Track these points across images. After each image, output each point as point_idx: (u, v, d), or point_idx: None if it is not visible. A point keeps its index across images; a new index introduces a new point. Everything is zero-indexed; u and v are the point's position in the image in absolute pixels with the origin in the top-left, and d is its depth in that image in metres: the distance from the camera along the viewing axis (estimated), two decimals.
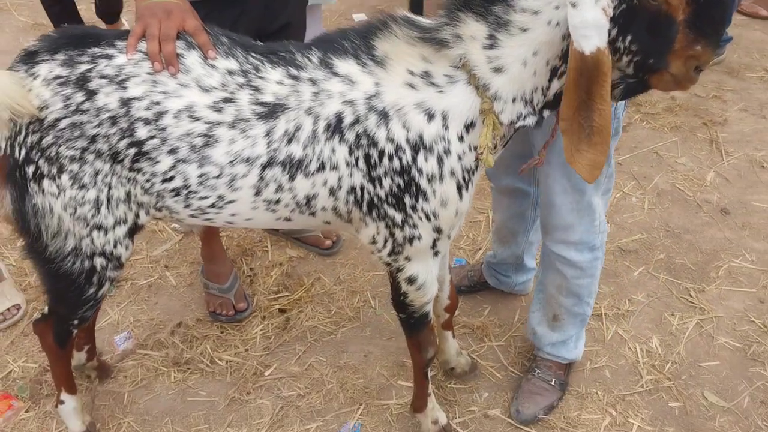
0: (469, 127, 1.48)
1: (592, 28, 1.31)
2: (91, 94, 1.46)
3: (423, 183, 1.51)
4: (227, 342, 2.38)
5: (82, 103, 1.46)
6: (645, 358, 2.32)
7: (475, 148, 1.51)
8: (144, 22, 1.51)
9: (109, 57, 1.49)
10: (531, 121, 1.51)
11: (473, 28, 1.41)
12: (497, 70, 1.43)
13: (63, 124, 1.47)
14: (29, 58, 1.50)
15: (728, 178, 3.13)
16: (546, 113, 1.53)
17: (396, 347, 2.34)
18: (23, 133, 1.49)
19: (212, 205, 1.56)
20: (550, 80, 1.46)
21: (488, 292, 2.54)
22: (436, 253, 1.67)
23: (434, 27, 1.44)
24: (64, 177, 1.51)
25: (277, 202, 1.56)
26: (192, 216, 1.61)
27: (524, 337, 2.34)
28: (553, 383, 2.16)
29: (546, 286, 2.12)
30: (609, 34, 1.34)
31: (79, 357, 2.15)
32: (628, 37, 1.38)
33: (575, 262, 1.98)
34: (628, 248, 2.75)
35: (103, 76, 1.47)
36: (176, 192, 1.54)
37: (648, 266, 2.67)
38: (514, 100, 1.46)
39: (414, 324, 1.83)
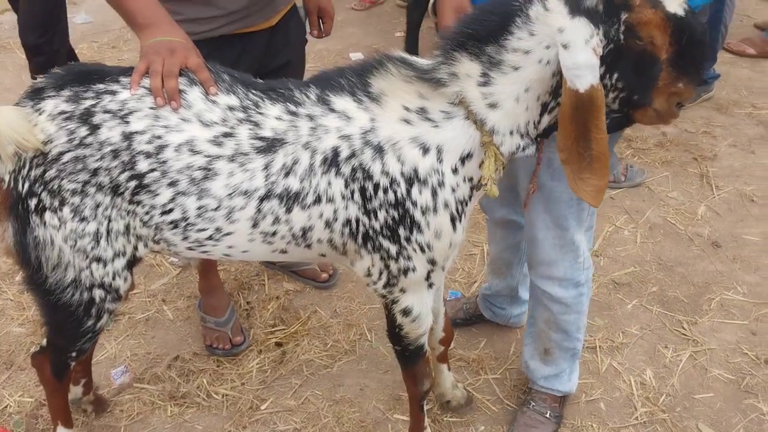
0: (464, 159, 1.53)
1: (584, 68, 1.37)
2: (94, 129, 1.51)
3: (417, 215, 1.54)
4: (224, 376, 2.39)
5: (85, 137, 1.51)
6: (639, 390, 2.33)
7: (470, 180, 1.56)
8: (148, 59, 1.57)
9: (113, 93, 1.54)
10: (531, 150, 1.57)
11: (468, 67, 1.47)
12: (492, 105, 1.49)
13: (66, 157, 1.51)
14: (36, 95, 1.55)
15: (719, 212, 3.17)
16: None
17: (392, 380, 2.35)
18: (27, 167, 1.53)
19: (210, 237, 1.59)
20: (541, 115, 1.53)
21: (483, 324, 2.56)
22: (430, 285, 1.69)
23: (431, 67, 1.49)
24: (66, 210, 1.54)
25: (274, 234, 1.59)
26: (189, 248, 1.64)
27: (519, 370, 2.36)
28: (548, 416, 2.17)
29: (536, 320, 2.14)
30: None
31: (75, 391, 2.15)
32: (615, 75, 1.44)
33: (560, 298, 2.01)
34: (621, 281, 2.78)
35: (106, 111, 1.51)
36: (175, 224, 1.57)
37: (641, 299, 2.70)
38: (511, 133, 1.52)
39: (409, 356, 1.84)
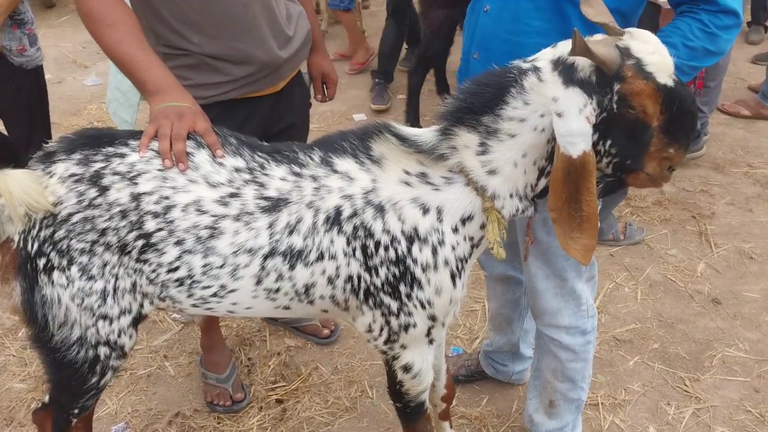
0: (465, 220, 1.57)
1: (577, 135, 1.42)
2: (103, 190, 1.55)
3: (418, 272, 1.57)
4: None
5: (94, 198, 1.54)
6: None
7: (470, 239, 1.60)
8: (157, 123, 1.62)
9: (122, 156, 1.58)
10: (530, 212, 1.62)
11: (466, 139, 1.52)
12: (491, 172, 1.54)
13: (75, 218, 1.55)
14: (47, 158, 1.60)
15: (718, 269, 3.20)
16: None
17: None
18: (37, 228, 1.56)
19: (214, 294, 1.62)
20: (538, 179, 1.57)
21: (486, 381, 2.55)
22: (431, 341, 1.71)
23: (430, 146, 1.54)
24: (74, 269, 1.57)
25: (277, 290, 1.62)
26: (194, 306, 1.66)
27: (522, 428, 2.34)
28: None
29: (542, 371, 2.14)
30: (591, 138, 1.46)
31: None
32: (608, 142, 1.49)
33: (568, 346, 2.02)
34: (622, 338, 2.78)
35: (115, 173, 1.56)
36: (180, 282, 1.60)
37: (643, 356, 2.70)
38: (511, 196, 1.57)
39: (410, 414, 1.85)
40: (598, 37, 1.48)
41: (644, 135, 1.47)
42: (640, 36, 1.46)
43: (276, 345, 2.77)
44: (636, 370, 2.64)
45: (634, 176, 1.55)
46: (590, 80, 1.42)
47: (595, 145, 1.48)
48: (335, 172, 1.58)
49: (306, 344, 2.78)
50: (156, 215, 1.55)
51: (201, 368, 2.55)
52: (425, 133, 1.56)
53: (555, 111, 1.43)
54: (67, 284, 1.58)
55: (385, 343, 1.70)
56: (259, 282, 1.60)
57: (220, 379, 2.50)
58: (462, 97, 1.53)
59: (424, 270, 1.57)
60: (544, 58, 1.49)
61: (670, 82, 1.43)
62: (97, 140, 1.61)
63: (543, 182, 1.58)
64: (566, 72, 1.44)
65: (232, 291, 1.61)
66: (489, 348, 2.48)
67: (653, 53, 1.43)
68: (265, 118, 2.15)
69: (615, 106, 1.43)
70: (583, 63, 1.42)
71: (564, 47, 1.47)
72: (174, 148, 1.58)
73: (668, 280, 3.12)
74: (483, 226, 1.59)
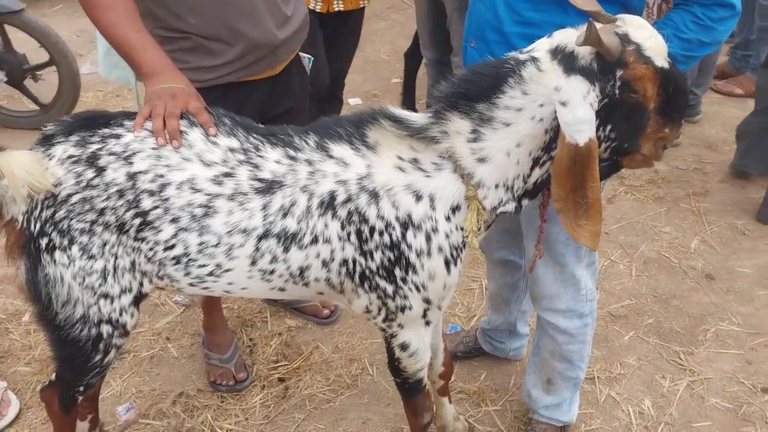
0: (455, 209, 1.59)
1: (583, 123, 1.44)
2: (100, 171, 1.58)
3: (412, 257, 1.60)
4: (228, 411, 2.42)
5: (92, 179, 1.58)
6: (638, 419, 2.36)
7: (462, 229, 1.61)
8: (151, 103, 1.65)
9: (117, 136, 1.61)
10: (510, 207, 1.62)
11: (458, 125, 1.54)
12: (481, 160, 1.55)
13: (75, 199, 1.58)
14: (46, 141, 1.63)
15: (712, 245, 3.24)
16: (525, 202, 1.64)
17: (394, 414, 2.38)
18: (39, 208, 1.60)
19: (210, 273, 1.65)
20: (532, 169, 1.58)
21: (484, 357, 2.60)
22: (427, 323, 1.74)
23: (422, 127, 1.55)
24: (75, 248, 1.61)
25: (272, 272, 1.64)
26: (191, 284, 1.69)
27: (520, 401, 2.39)
28: None
29: (540, 350, 2.18)
30: None
31: (82, 427, 2.17)
32: (608, 127, 1.52)
33: (565, 329, 2.05)
34: (617, 314, 2.83)
35: (111, 154, 1.59)
36: (177, 260, 1.63)
37: (638, 331, 2.74)
38: (497, 186, 1.58)
39: (409, 389, 1.89)
40: (598, 26, 1.47)
41: (642, 117, 1.51)
42: (634, 22, 1.48)
43: (277, 325, 2.81)
44: (631, 344, 2.68)
45: (629, 158, 1.59)
46: (591, 67, 1.45)
47: (595, 131, 1.49)
48: (330, 157, 1.60)
49: (306, 324, 2.82)
50: (152, 193, 1.58)
51: (204, 349, 2.59)
52: (419, 117, 1.58)
53: (558, 100, 1.45)
54: (69, 263, 1.62)
55: (384, 321, 1.73)
56: (254, 263, 1.63)
57: (223, 360, 2.53)
58: (457, 83, 1.55)
59: (418, 255, 1.60)
60: (541, 48, 1.50)
61: (665, 65, 1.47)
62: (93, 122, 1.64)
63: (537, 173, 1.58)
64: (566, 61, 1.45)
65: (227, 271, 1.64)
66: (486, 326, 2.53)
67: (650, 38, 1.46)
68: (263, 102, 2.16)
69: (617, 91, 1.46)
70: (583, 51, 1.45)
71: (561, 37, 1.49)
72: (167, 126, 1.61)
73: (662, 257, 3.16)
74: None
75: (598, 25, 1.47)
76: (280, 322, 2.83)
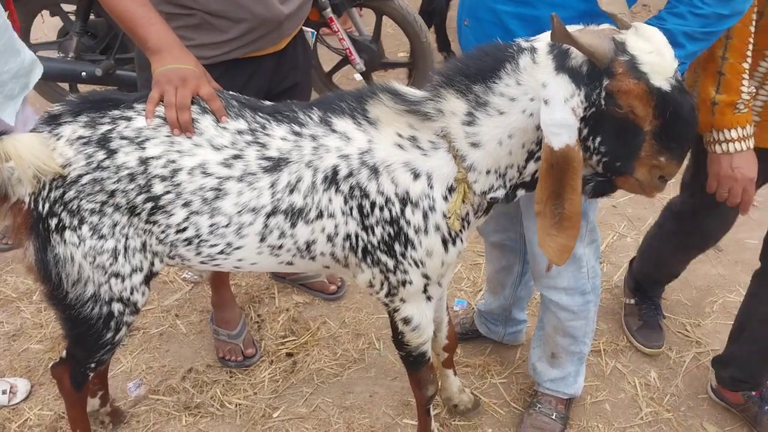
0: (451, 189, 1.58)
1: (560, 126, 1.39)
2: (111, 153, 1.59)
3: (411, 233, 1.61)
4: (236, 386, 2.45)
5: (102, 160, 1.58)
6: (644, 391, 2.37)
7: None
8: (160, 87, 1.64)
9: (128, 119, 1.61)
10: (500, 193, 1.59)
11: (453, 105, 1.51)
12: (474, 144, 1.53)
13: (85, 179, 1.59)
14: (52, 120, 1.63)
15: None
16: (520, 192, 1.62)
17: (400, 387, 2.40)
18: (47, 189, 1.60)
19: (221, 252, 1.67)
20: (527, 161, 1.55)
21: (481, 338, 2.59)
22: (428, 298, 1.75)
23: (418, 100, 1.54)
24: (85, 228, 1.62)
25: (280, 247, 1.66)
26: (202, 263, 1.71)
27: (525, 374, 2.41)
28: (554, 417, 2.21)
29: (544, 324, 2.19)
30: (580, 133, 1.43)
31: (93, 403, 2.21)
32: (598, 139, 1.45)
33: (566, 306, 2.05)
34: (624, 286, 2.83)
35: (123, 137, 1.59)
36: (189, 241, 1.65)
37: None
38: (488, 172, 1.56)
39: (413, 362, 1.91)
40: (605, 26, 1.44)
41: (634, 138, 1.42)
42: (643, 32, 1.39)
43: (284, 301, 2.83)
44: None
45: (623, 180, 1.51)
46: (580, 70, 1.39)
47: (585, 140, 1.45)
48: (333, 131, 1.61)
49: (314, 300, 2.84)
50: (163, 179, 1.59)
51: (212, 325, 2.62)
52: (417, 92, 1.57)
53: (543, 97, 1.41)
54: (79, 243, 1.63)
55: (386, 296, 1.75)
56: (263, 239, 1.64)
57: (232, 336, 2.56)
58: (458, 59, 1.53)
59: (416, 232, 1.60)
60: (544, 39, 1.46)
61: (665, 86, 1.36)
62: (101, 104, 1.64)
63: (534, 167, 1.55)
64: (559, 57, 1.41)
65: (237, 248, 1.66)
66: (483, 308, 2.52)
67: (651, 52, 1.36)
68: (268, 78, 2.16)
69: (603, 102, 1.39)
70: (577, 51, 1.39)
71: (569, 28, 1.41)
72: (180, 118, 1.61)
73: None
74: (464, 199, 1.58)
75: (593, 27, 1.42)
76: (288, 298, 2.85)
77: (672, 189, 2.43)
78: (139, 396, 2.41)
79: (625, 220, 3.23)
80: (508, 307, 2.44)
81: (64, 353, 1.94)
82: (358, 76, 4.56)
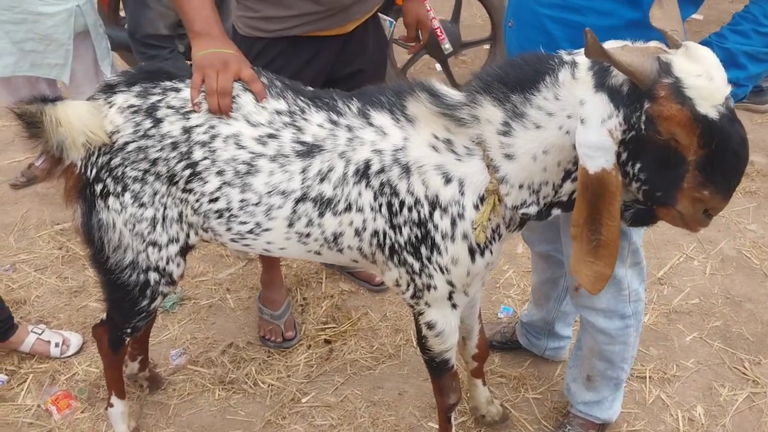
0: (482, 199, 1.52)
1: (595, 148, 1.31)
2: (157, 122, 1.64)
3: (438, 238, 1.57)
4: (272, 366, 2.49)
5: (149, 129, 1.64)
6: (686, 426, 2.25)
7: (490, 220, 1.54)
8: (203, 71, 1.66)
9: (177, 90, 1.67)
10: (533, 210, 1.52)
11: (490, 112, 1.45)
12: (508, 156, 1.46)
13: (131, 147, 1.65)
14: (108, 89, 1.70)
15: None
16: (555, 211, 1.54)
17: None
18: (96, 154, 1.68)
19: (250, 231, 1.69)
20: (563, 180, 1.47)
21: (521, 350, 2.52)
22: (454, 306, 1.71)
23: (455, 105, 1.49)
24: (127, 195, 1.68)
25: (308, 235, 1.66)
26: (233, 240, 1.74)
27: (562, 392, 2.32)
28: None
29: (582, 345, 2.10)
30: (619, 157, 1.34)
31: (132, 366, 2.31)
32: (638, 165, 1.36)
33: (604, 329, 1.96)
34: (682, 311, 2.68)
35: (170, 107, 1.64)
36: (220, 214, 1.68)
37: (702, 332, 2.59)
38: (521, 186, 1.49)
39: (436, 368, 1.87)
40: (652, 44, 1.34)
41: (677, 167, 1.32)
42: (693, 53, 1.28)
43: (331, 288, 2.85)
44: (692, 346, 2.54)
45: (664, 211, 1.40)
46: (621, 90, 1.30)
47: (624, 164, 1.36)
48: (370, 125, 1.59)
49: (359, 290, 2.84)
50: (203, 145, 1.63)
51: (258, 303, 2.67)
52: (456, 94, 1.52)
53: (580, 115, 1.33)
54: (121, 210, 1.70)
55: (412, 297, 1.72)
56: (290, 225, 1.65)
57: (274, 316, 2.60)
58: (499, 66, 1.47)
59: (443, 237, 1.57)
60: None
61: (713, 114, 1.25)
62: (156, 75, 1.70)
63: (570, 187, 1.47)
64: (600, 74, 1.32)
65: (266, 230, 1.68)
66: (526, 319, 2.44)
67: (699, 76, 1.25)
68: (332, 60, 2.15)
69: (643, 126, 1.30)
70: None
71: (611, 43, 1.32)
72: (221, 103, 1.63)
73: (743, 256, 2.95)
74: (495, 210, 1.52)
75: (638, 44, 1.32)
76: (335, 284, 2.87)
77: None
78: (179, 365, 2.49)
79: (695, 241, 3.05)
80: (550, 320, 2.36)
81: (104, 315, 2.02)
82: (438, 66, 4.50)
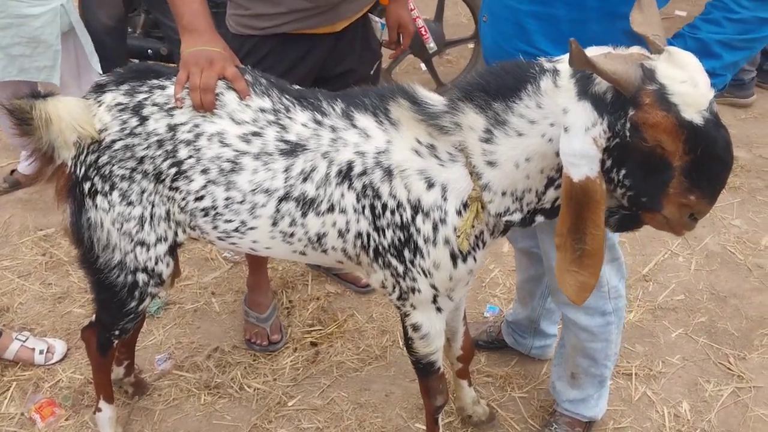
0: (465, 205, 1.52)
1: (579, 156, 1.30)
2: (143, 120, 1.64)
3: (420, 242, 1.57)
4: (257, 370, 2.48)
5: (135, 127, 1.64)
6: (672, 422, 2.25)
7: (473, 227, 1.54)
8: (187, 69, 1.67)
9: (162, 87, 1.67)
10: (517, 217, 1.52)
11: (472, 119, 1.45)
12: (491, 163, 1.46)
13: (118, 145, 1.65)
14: (99, 89, 1.71)
15: None
16: (539, 218, 1.53)
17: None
18: (84, 153, 1.68)
19: (236, 230, 1.69)
20: (546, 187, 1.47)
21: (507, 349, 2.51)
22: (438, 309, 1.71)
23: (436, 113, 1.49)
24: (115, 194, 1.68)
25: (292, 235, 1.66)
26: (220, 238, 1.74)
27: (548, 391, 2.33)
28: None
29: (565, 342, 2.11)
30: (603, 164, 1.34)
31: (118, 371, 2.29)
32: (622, 171, 1.36)
33: (585, 326, 1.96)
34: (667, 308, 2.69)
35: (155, 104, 1.65)
36: (206, 212, 1.68)
37: (687, 328, 2.60)
38: (503, 193, 1.49)
39: (422, 369, 1.87)
40: (634, 50, 1.33)
41: (662, 173, 1.32)
42: (676, 59, 1.28)
43: (317, 290, 2.84)
44: (678, 342, 2.55)
45: (650, 216, 1.40)
46: (605, 97, 1.30)
47: (608, 171, 1.36)
48: (354, 126, 1.59)
49: (345, 291, 2.83)
50: (188, 143, 1.63)
51: (244, 306, 2.65)
52: (438, 102, 1.52)
53: (563, 124, 1.32)
54: (109, 208, 1.69)
55: (398, 299, 1.72)
56: (275, 224, 1.65)
57: (260, 319, 2.59)
58: (480, 74, 1.47)
59: (425, 241, 1.57)
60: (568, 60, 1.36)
61: (698, 119, 1.25)
62: (144, 74, 1.71)
63: (554, 194, 1.47)
64: (582, 82, 1.32)
65: (251, 228, 1.68)
66: (511, 318, 2.45)
67: (684, 82, 1.25)
68: (322, 59, 2.15)
69: (628, 133, 1.29)
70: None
71: (593, 50, 1.32)
72: (203, 100, 1.64)
73: (727, 252, 2.97)
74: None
75: (620, 51, 1.31)
76: (320, 286, 2.86)
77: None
78: (164, 370, 2.48)
79: (680, 237, 3.06)
80: (535, 318, 2.36)
81: (93, 317, 2.01)
82: (423, 66, 4.49)
